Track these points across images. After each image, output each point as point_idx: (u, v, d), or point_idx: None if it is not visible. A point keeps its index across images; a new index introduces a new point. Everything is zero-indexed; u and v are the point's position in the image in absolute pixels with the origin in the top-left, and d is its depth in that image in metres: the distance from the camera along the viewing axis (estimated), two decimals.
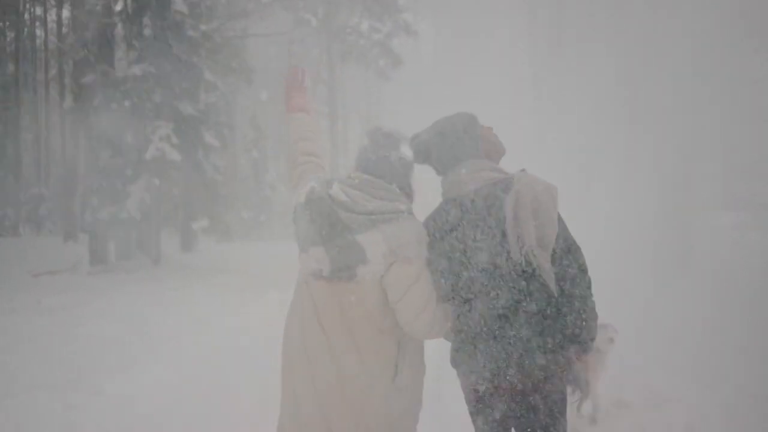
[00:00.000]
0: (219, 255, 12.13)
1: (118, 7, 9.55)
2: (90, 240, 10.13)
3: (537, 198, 1.69)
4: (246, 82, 11.32)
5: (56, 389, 3.66)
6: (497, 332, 1.72)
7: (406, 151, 1.89)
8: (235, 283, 8.05)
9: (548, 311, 1.71)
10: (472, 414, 1.85)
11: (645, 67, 10.48)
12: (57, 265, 9.76)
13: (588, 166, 11.16)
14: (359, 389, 1.76)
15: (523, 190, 1.70)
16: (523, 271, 1.70)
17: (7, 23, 19.05)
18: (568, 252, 1.71)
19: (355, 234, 1.71)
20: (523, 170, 1.79)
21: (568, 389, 1.80)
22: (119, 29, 9.72)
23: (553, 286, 1.68)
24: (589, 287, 1.74)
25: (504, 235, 1.71)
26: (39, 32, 20.49)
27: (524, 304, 1.70)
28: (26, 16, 20.03)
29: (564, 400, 1.78)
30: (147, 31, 9.22)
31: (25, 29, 20.02)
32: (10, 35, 19.22)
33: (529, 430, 1.76)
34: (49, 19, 20.35)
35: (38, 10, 20.27)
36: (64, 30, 16.99)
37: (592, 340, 1.78)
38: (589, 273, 1.76)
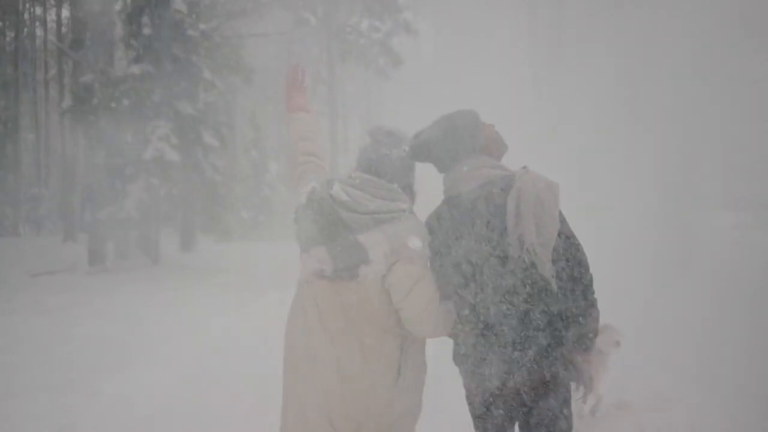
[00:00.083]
0: (218, 255, 12.12)
1: (117, 7, 9.54)
2: (89, 240, 10.12)
3: (538, 195, 1.68)
4: (245, 82, 11.31)
5: (54, 390, 3.65)
6: (499, 330, 1.71)
7: (407, 150, 1.88)
8: (235, 283, 8.04)
9: (550, 308, 1.70)
10: (473, 412, 1.84)
11: (645, 67, 10.47)
12: (56, 265, 9.75)
13: (588, 165, 11.16)
14: (362, 389, 1.75)
15: (524, 188, 1.69)
16: (525, 269, 1.69)
17: (7, 23, 19.04)
18: (569, 249, 1.71)
19: (357, 234, 1.71)
20: (524, 167, 1.78)
21: (572, 385, 1.79)
22: (118, 29, 9.72)
23: (554, 283, 1.68)
24: (590, 284, 1.74)
25: (505, 232, 1.70)
26: (39, 32, 20.49)
27: (526, 301, 1.70)
28: (26, 15, 20.03)
29: (568, 397, 1.78)
30: (146, 31, 9.21)
31: (25, 29, 20.02)
32: (10, 35, 19.21)
33: (534, 427, 1.75)
34: (48, 19, 20.36)
35: (38, 10, 20.27)
36: (64, 30, 16.99)
37: (595, 336, 1.78)
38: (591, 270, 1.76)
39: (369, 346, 1.76)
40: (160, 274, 9.13)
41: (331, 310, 1.78)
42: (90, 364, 4.25)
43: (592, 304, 1.75)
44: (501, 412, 1.77)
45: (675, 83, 9.48)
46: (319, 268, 1.76)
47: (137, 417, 3.45)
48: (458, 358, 1.82)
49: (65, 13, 16.23)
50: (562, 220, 1.72)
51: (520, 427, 1.80)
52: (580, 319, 1.72)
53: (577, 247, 1.73)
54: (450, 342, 1.89)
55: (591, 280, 1.74)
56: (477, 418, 1.83)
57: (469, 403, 1.85)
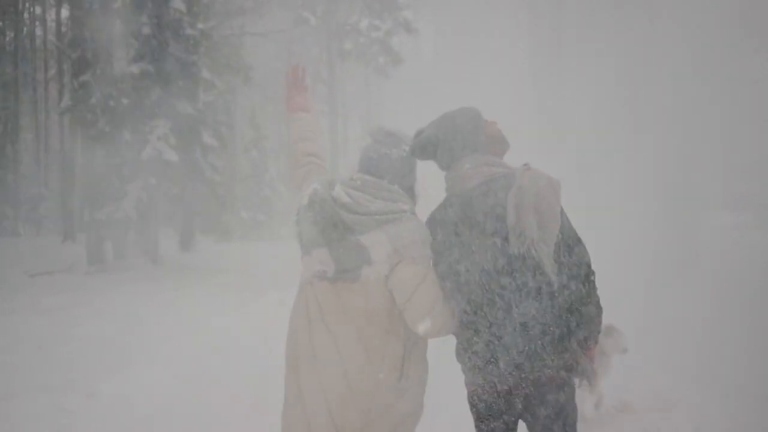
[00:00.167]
0: (218, 255, 12.10)
1: (116, 5, 9.53)
2: (87, 240, 10.11)
3: (539, 193, 1.68)
4: (244, 81, 11.30)
5: (53, 390, 3.64)
6: (502, 327, 1.71)
7: (408, 150, 1.88)
8: (235, 283, 8.03)
9: (553, 305, 1.70)
10: (474, 412, 1.84)
11: (645, 67, 10.47)
12: (55, 265, 9.74)
13: (588, 165, 11.16)
14: (366, 390, 1.76)
15: (525, 185, 1.69)
16: (527, 266, 1.69)
17: (7, 23, 19.02)
18: (570, 246, 1.71)
19: (359, 235, 1.71)
20: (526, 165, 1.78)
21: (576, 381, 1.79)
22: (117, 27, 9.69)
23: (555, 280, 1.68)
24: (592, 281, 1.74)
25: (506, 229, 1.70)
26: (38, 31, 20.47)
27: (528, 298, 1.70)
28: (26, 15, 20.01)
29: (572, 393, 1.77)
30: (145, 30, 9.20)
31: (25, 28, 20.00)
32: (10, 35, 19.19)
33: (540, 424, 1.75)
34: (48, 18, 20.34)
35: (38, 10, 20.25)
36: (64, 29, 16.98)
37: (598, 333, 1.78)
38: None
39: (372, 347, 1.76)
40: (159, 274, 9.12)
41: (333, 312, 1.78)
42: (89, 364, 4.24)
43: (595, 301, 1.75)
44: (504, 411, 1.76)
45: (675, 83, 9.48)
46: (321, 269, 1.76)
47: (137, 417, 3.44)
48: (461, 355, 1.82)
49: (65, 13, 16.20)
50: (564, 217, 1.72)
51: (528, 426, 1.80)
52: (583, 315, 1.72)
53: (579, 243, 1.73)
54: (449, 341, 1.89)
55: (593, 277, 1.74)
56: (478, 417, 1.83)
57: (471, 403, 1.85)
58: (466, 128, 1.85)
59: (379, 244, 1.71)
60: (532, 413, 1.75)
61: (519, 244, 1.68)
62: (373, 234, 1.71)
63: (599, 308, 1.76)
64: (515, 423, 1.81)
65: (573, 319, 1.72)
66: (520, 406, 1.75)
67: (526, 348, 1.69)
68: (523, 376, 1.70)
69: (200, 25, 9.63)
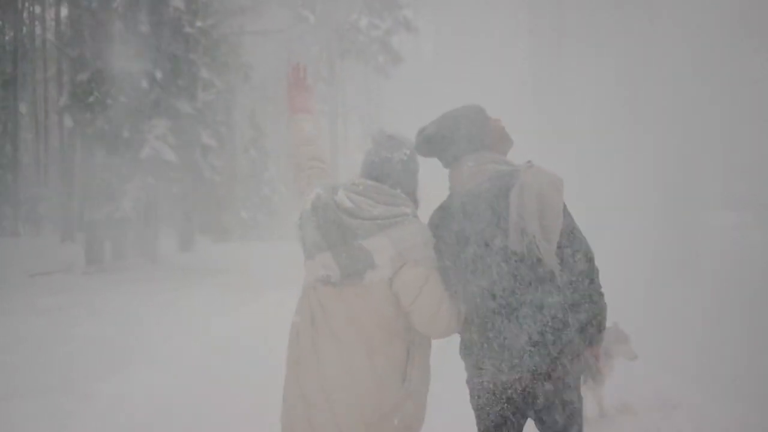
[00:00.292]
0: (217, 255, 12.08)
1: (115, 4, 9.49)
2: (86, 240, 10.09)
3: (543, 190, 1.67)
4: (244, 80, 11.28)
5: (52, 391, 3.62)
6: (505, 325, 1.71)
7: (409, 153, 1.89)
8: (234, 284, 8.00)
9: (556, 303, 1.70)
10: (477, 411, 1.83)
11: (645, 67, 10.47)
12: (54, 265, 9.71)
13: (588, 165, 11.16)
14: (370, 393, 1.76)
15: (528, 182, 1.69)
16: (529, 263, 1.69)
17: (6, 22, 18.99)
18: (574, 243, 1.71)
19: (362, 239, 1.72)
20: (529, 162, 1.77)
21: (580, 379, 1.79)
22: (115, 26, 9.66)
23: (559, 276, 1.68)
24: (596, 278, 1.74)
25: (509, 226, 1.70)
26: (38, 30, 20.44)
27: (531, 296, 1.70)
28: (25, 14, 19.97)
29: (577, 389, 1.77)
30: (143, 28, 9.17)
31: (24, 28, 19.96)
32: (9, 34, 19.15)
33: (546, 422, 1.74)
34: (48, 18, 20.30)
35: (38, 9, 20.21)
36: (63, 28, 16.96)
37: (602, 330, 1.77)
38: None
39: (377, 351, 1.77)
40: (158, 274, 9.10)
41: (338, 316, 1.79)
42: (88, 364, 4.22)
43: (600, 298, 1.75)
44: (507, 410, 1.76)
45: (675, 83, 9.48)
46: (325, 274, 1.77)
47: (136, 418, 3.43)
48: (464, 352, 1.82)
49: (64, 12, 16.16)
50: (567, 215, 1.72)
51: (536, 425, 1.79)
52: (588, 313, 1.72)
53: (582, 241, 1.73)
54: (452, 340, 1.89)
55: (597, 274, 1.74)
56: (481, 417, 1.82)
57: (473, 402, 1.84)
58: (470, 125, 1.85)
59: (383, 248, 1.72)
60: (537, 411, 1.74)
61: (518, 241, 1.67)
62: (376, 238, 1.72)
63: (604, 306, 1.76)
64: (519, 423, 1.80)
65: (577, 317, 1.71)
66: (524, 405, 1.75)
67: (530, 345, 1.69)
68: (527, 373, 1.70)
69: (199, 24, 9.60)
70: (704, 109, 9.45)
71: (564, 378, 1.72)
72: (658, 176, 9.68)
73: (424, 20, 18.04)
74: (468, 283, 1.76)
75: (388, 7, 12.14)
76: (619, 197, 9.85)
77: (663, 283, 7.51)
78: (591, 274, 1.72)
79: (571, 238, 1.71)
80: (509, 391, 1.73)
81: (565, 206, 1.71)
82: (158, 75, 8.96)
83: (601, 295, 1.75)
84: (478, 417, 1.83)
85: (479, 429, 1.85)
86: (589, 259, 1.73)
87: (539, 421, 1.76)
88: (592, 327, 1.74)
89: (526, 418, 1.80)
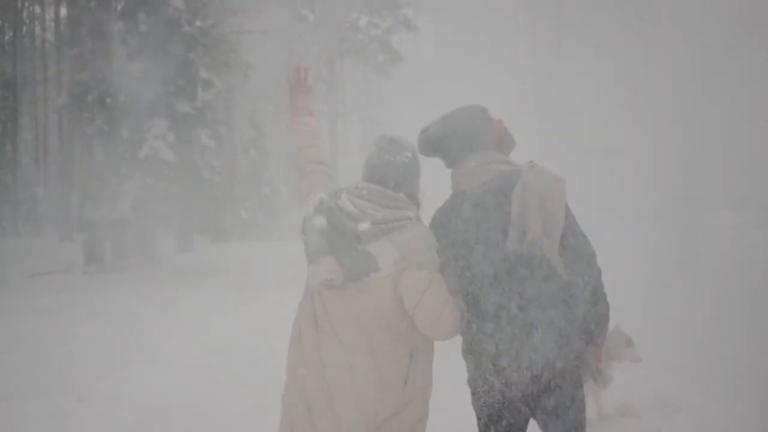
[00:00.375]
0: (216, 255, 12.08)
1: (114, 3, 9.48)
2: (85, 240, 10.07)
3: (545, 190, 1.68)
4: (243, 79, 11.26)
5: (51, 392, 3.62)
6: (508, 325, 1.71)
7: (410, 156, 1.90)
8: (233, 284, 8.00)
9: (559, 302, 1.70)
10: (477, 409, 1.83)
11: (645, 67, 10.47)
12: (53, 265, 9.71)
13: (588, 165, 11.14)
14: (373, 397, 1.77)
15: (530, 182, 1.69)
16: (532, 263, 1.69)
17: (6, 22, 18.97)
18: (576, 244, 1.71)
19: (366, 244, 1.73)
20: (531, 162, 1.77)
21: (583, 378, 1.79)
22: (115, 25, 9.65)
23: (563, 273, 1.67)
24: (598, 277, 1.74)
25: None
26: (38, 30, 20.42)
27: (533, 296, 1.70)
28: (25, 14, 19.95)
29: (580, 391, 1.77)
30: (142, 27, 9.15)
31: (24, 28, 19.95)
32: (9, 34, 19.14)
33: (549, 422, 1.74)
34: (47, 17, 20.29)
35: (37, 9, 20.20)
36: (63, 28, 16.93)
37: (605, 330, 1.78)
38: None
39: (381, 353, 1.77)
40: (157, 274, 9.09)
41: (342, 319, 1.79)
42: (87, 365, 4.22)
43: (603, 298, 1.75)
44: (508, 412, 1.75)
45: (675, 83, 9.47)
46: (329, 278, 1.77)
47: (136, 418, 3.42)
48: (466, 352, 1.82)
49: (64, 11, 16.14)
50: (569, 215, 1.72)
51: (538, 425, 1.79)
52: (591, 312, 1.72)
53: (584, 240, 1.73)
54: (451, 341, 1.88)
55: (599, 273, 1.74)
56: (482, 417, 1.81)
57: (475, 404, 1.83)
58: (473, 125, 1.86)
59: (387, 252, 1.73)
60: (539, 413, 1.74)
61: (518, 240, 1.67)
62: (380, 242, 1.73)
63: (606, 305, 1.76)
64: (521, 424, 1.79)
65: (580, 316, 1.71)
66: (526, 406, 1.74)
67: (533, 345, 1.68)
68: (529, 373, 1.69)
69: (198, 23, 9.58)
70: (704, 109, 9.44)
71: (567, 379, 1.71)
72: (658, 176, 9.68)
73: (424, 20, 18.02)
74: (470, 283, 1.76)
75: (387, 6, 12.14)
76: (619, 197, 9.84)
77: (663, 283, 7.50)
78: (593, 274, 1.72)
79: (573, 238, 1.70)
80: (511, 392, 1.73)
81: (567, 206, 1.71)
82: (157, 74, 8.94)
83: (604, 295, 1.75)
84: (480, 418, 1.83)
85: (480, 430, 1.84)
86: (592, 260, 1.73)
87: (542, 423, 1.76)
88: (595, 327, 1.74)
89: (528, 420, 1.80)
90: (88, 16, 9.45)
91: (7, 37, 19.13)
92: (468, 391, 1.87)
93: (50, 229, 18.66)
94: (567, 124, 12.09)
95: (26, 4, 19.62)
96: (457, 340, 1.87)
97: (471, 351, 1.80)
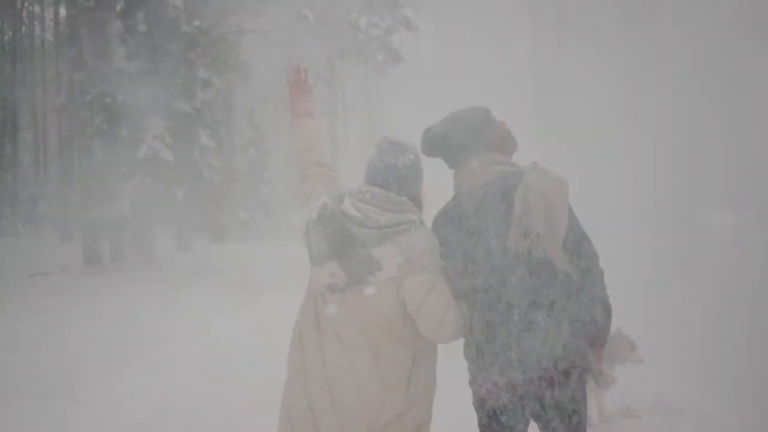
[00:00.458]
0: (215, 255, 12.06)
1: (113, 2, 9.46)
2: (84, 240, 10.05)
3: (547, 191, 1.67)
4: (243, 79, 11.25)
5: (48, 393, 3.61)
6: (510, 326, 1.71)
7: (413, 158, 1.89)
8: (233, 284, 7.99)
9: (559, 304, 1.70)
10: (478, 410, 1.82)
11: (645, 67, 10.47)
12: (52, 266, 9.68)
13: (588, 165, 11.14)
14: (376, 400, 1.77)
15: (533, 183, 1.69)
16: (532, 263, 1.68)
17: (6, 22, 18.95)
18: (579, 245, 1.71)
19: (369, 248, 1.73)
20: (534, 163, 1.76)
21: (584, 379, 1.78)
22: (114, 25, 9.63)
23: (570, 271, 1.66)
24: (601, 279, 1.73)
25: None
26: (37, 30, 20.41)
27: (535, 297, 1.69)
28: (24, 14, 19.93)
29: (583, 392, 1.76)
30: (141, 27, 9.13)
31: (23, 28, 19.93)
32: (9, 34, 19.12)
33: (550, 423, 1.73)
34: (47, 17, 20.27)
35: (37, 9, 20.18)
36: (62, 28, 16.92)
37: (607, 332, 1.77)
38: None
39: (383, 356, 1.77)
40: (156, 274, 9.07)
41: (345, 322, 1.79)
42: (87, 365, 4.20)
43: (604, 299, 1.74)
44: (509, 413, 1.74)
45: (675, 83, 9.48)
46: (332, 282, 1.78)
47: (136, 419, 3.41)
48: (468, 353, 1.82)
49: (63, 12, 16.12)
50: (572, 216, 1.71)
51: (539, 426, 1.78)
52: (592, 314, 1.71)
53: (587, 242, 1.73)
54: (450, 344, 1.87)
55: (602, 275, 1.73)
56: (483, 420, 1.81)
57: (476, 406, 1.83)
58: (476, 126, 1.86)
59: (390, 256, 1.73)
60: (541, 413, 1.73)
61: (519, 240, 1.67)
62: (383, 246, 1.73)
63: (609, 307, 1.75)
64: (523, 426, 1.78)
65: (582, 318, 1.71)
66: (527, 408, 1.74)
67: (535, 346, 1.68)
68: (531, 376, 1.69)
69: (197, 23, 9.57)
70: (704, 109, 9.45)
71: (568, 380, 1.71)
72: (658, 176, 9.68)
73: (424, 19, 18.01)
74: (472, 285, 1.76)
75: (387, 5, 12.13)
76: (619, 197, 9.84)
77: (663, 283, 7.50)
78: (596, 275, 1.72)
79: (575, 239, 1.70)
80: (513, 394, 1.72)
81: (570, 208, 1.71)
82: (156, 74, 8.93)
83: (606, 297, 1.75)
84: (481, 419, 1.82)
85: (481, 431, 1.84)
86: (594, 261, 1.72)
87: (543, 424, 1.75)
88: (597, 329, 1.73)
89: (529, 421, 1.79)
90: (86, 15, 9.43)
91: (6, 38, 19.12)
92: (469, 392, 1.86)
93: (49, 229, 18.64)
94: (567, 124, 12.08)
95: (26, 4, 19.60)
96: (460, 342, 1.86)
97: (473, 352, 1.79)
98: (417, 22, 13.01)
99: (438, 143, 1.88)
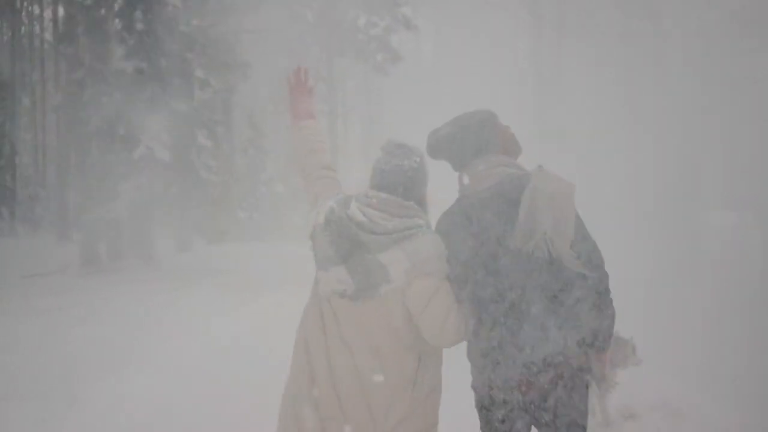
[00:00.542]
0: (215, 255, 12.04)
1: (111, 2, 9.44)
2: (82, 240, 10.03)
3: (554, 194, 1.67)
4: (242, 78, 11.22)
5: (47, 393, 3.60)
6: (513, 328, 1.70)
7: (419, 160, 1.89)
8: (232, 284, 7.97)
9: (564, 307, 1.69)
10: (480, 412, 1.82)
11: (645, 67, 10.48)
12: (50, 266, 9.67)
13: (588, 165, 11.14)
14: (383, 405, 1.77)
15: (539, 186, 1.68)
16: (537, 265, 1.68)
17: (5, 22, 18.94)
18: (584, 248, 1.70)
19: (376, 254, 1.72)
20: (540, 166, 1.76)
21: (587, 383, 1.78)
22: (111, 24, 9.60)
23: (573, 266, 1.66)
24: (606, 282, 1.73)
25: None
26: (36, 30, 20.39)
27: (539, 299, 1.69)
28: (23, 14, 19.91)
29: (585, 396, 1.76)
30: (139, 26, 9.11)
31: (23, 28, 19.91)
32: (8, 34, 19.11)
33: (551, 426, 1.73)
34: (46, 17, 20.24)
35: (36, 9, 20.16)
36: (61, 28, 16.89)
37: (611, 335, 1.77)
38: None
39: (390, 362, 1.77)
40: (155, 275, 9.05)
41: (352, 328, 1.79)
42: (87, 365, 4.19)
43: (609, 303, 1.74)
44: (512, 416, 1.74)
45: (675, 83, 9.48)
46: (340, 288, 1.77)
47: (135, 419, 3.40)
48: (471, 355, 1.81)
49: (62, 12, 16.10)
50: (578, 220, 1.71)
51: (538, 428, 1.78)
52: (596, 318, 1.71)
53: (592, 245, 1.72)
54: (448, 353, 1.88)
55: (606, 279, 1.73)
56: (485, 422, 1.80)
57: (479, 408, 1.82)
58: (483, 129, 1.86)
59: (397, 261, 1.72)
60: (543, 416, 1.73)
61: (524, 241, 1.67)
62: (390, 252, 1.72)
63: (613, 311, 1.75)
64: (525, 428, 1.78)
65: (586, 322, 1.70)
66: (529, 411, 1.73)
67: (537, 349, 1.68)
68: (533, 377, 1.68)
69: (195, 22, 9.55)
70: (704, 108, 9.46)
71: (571, 384, 1.70)
72: (658, 176, 9.69)
73: (423, 19, 17.99)
74: (476, 286, 1.75)
75: (386, 5, 12.11)
76: (619, 197, 9.84)
77: (663, 283, 7.50)
78: (602, 278, 1.71)
79: (581, 242, 1.70)
80: (515, 396, 1.72)
81: (576, 212, 1.71)
82: (154, 74, 8.91)
83: (610, 301, 1.74)
84: (483, 421, 1.82)
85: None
86: (599, 264, 1.72)
87: (544, 427, 1.75)
88: (600, 333, 1.73)
89: (531, 424, 1.79)
90: (84, 14, 9.40)
91: (5, 38, 19.10)
92: (471, 394, 1.86)
93: (48, 229, 18.62)
94: (567, 124, 12.08)
95: (25, 4, 19.58)
96: (463, 344, 1.86)
97: (476, 354, 1.79)
98: (416, 21, 12.99)
99: (444, 146, 1.88)
